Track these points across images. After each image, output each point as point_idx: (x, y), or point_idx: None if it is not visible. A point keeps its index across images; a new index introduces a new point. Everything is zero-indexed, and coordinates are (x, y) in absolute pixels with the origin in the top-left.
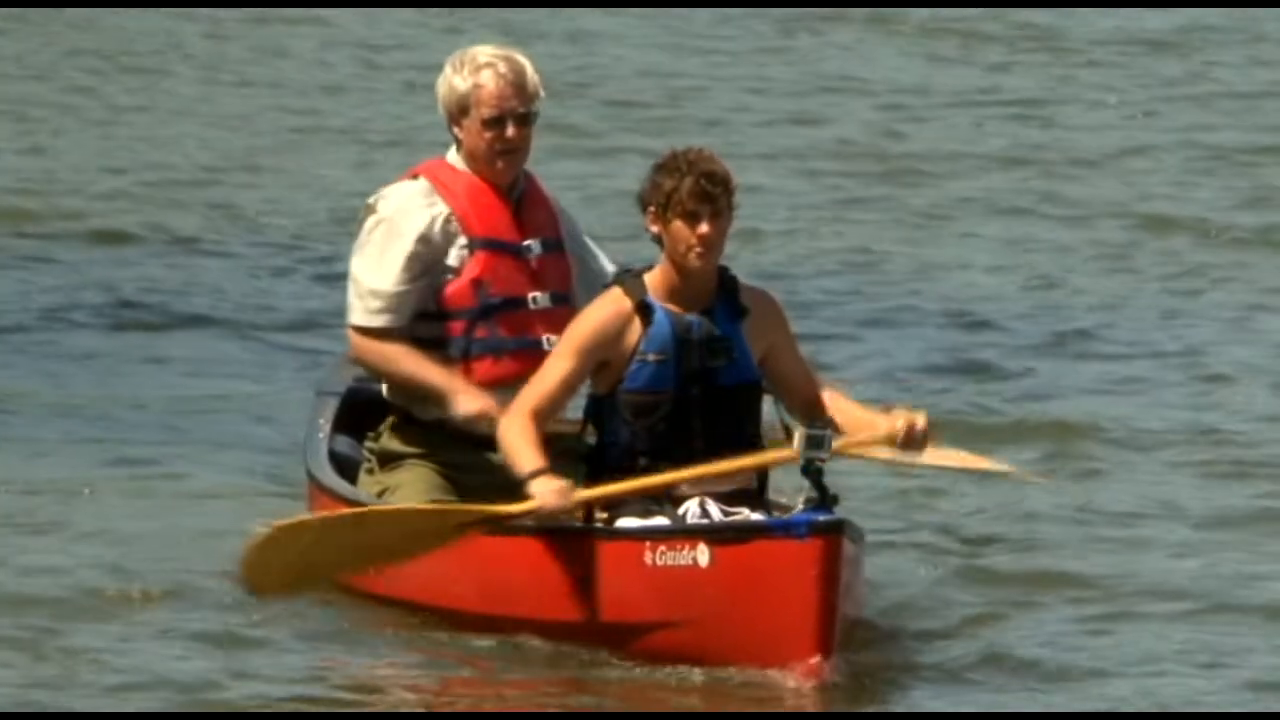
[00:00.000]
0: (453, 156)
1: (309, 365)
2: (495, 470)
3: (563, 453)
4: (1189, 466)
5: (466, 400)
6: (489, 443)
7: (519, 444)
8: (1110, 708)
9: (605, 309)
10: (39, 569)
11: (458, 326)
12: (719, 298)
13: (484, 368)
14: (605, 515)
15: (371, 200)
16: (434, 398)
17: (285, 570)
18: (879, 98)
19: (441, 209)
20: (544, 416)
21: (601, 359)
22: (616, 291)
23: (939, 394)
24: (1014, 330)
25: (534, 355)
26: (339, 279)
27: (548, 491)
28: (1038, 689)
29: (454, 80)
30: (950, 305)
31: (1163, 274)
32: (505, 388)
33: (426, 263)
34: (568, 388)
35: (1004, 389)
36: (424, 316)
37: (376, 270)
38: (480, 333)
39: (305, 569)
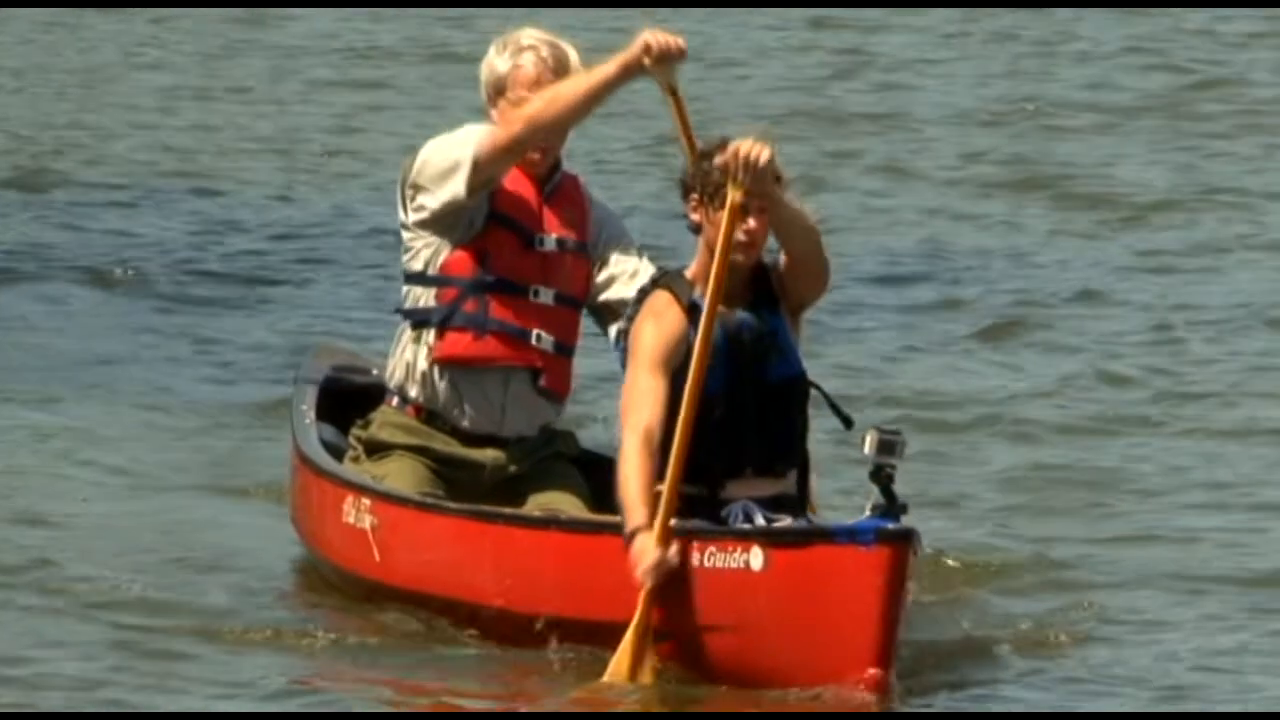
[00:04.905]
0: None
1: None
2: (484, 467)
3: (551, 456)
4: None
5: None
6: (479, 439)
7: (632, 493)
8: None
9: (666, 316)
10: None
11: (449, 293)
12: (754, 289)
13: (462, 341)
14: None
15: None
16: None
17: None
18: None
19: None
20: (655, 440)
21: (675, 367)
22: (665, 296)
23: None
24: None
25: (518, 344)
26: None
27: (645, 565)
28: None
29: (495, 61)
30: None
31: None
32: (477, 369)
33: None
34: (665, 403)
35: None
36: (420, 279)
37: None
38: (469, 306)
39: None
